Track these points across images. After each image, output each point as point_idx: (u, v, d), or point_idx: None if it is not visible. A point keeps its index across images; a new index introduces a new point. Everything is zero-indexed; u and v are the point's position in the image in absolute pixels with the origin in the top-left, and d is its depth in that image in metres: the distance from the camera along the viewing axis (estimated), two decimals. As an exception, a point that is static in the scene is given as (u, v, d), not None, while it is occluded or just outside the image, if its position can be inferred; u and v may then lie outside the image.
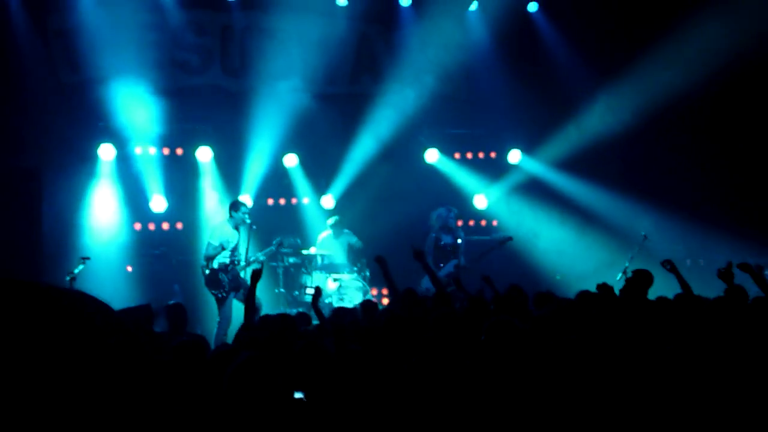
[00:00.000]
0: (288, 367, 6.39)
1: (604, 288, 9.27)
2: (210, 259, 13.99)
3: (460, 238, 15.81)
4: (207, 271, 13.99)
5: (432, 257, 15.47)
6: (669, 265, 10.18)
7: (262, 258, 14.16)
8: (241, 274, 13.95)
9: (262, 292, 14.58)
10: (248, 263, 13.94)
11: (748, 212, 17.70)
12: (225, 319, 13.74)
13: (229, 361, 5.40)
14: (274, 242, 14.91)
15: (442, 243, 15.79)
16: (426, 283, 15.12)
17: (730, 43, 16.54)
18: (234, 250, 14.04)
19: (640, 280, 9.55)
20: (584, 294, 9.06)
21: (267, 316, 9.18)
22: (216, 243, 13.99)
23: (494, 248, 15.80)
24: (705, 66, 16.78)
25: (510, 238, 15.96)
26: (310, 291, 9.88)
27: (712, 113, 17.84)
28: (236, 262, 14.02)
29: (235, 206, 14.29)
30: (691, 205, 17.38)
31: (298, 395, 5.82)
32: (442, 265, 15.57)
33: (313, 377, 6.43)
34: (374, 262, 10.92)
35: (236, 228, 14.11)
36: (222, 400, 5.18)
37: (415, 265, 11.09)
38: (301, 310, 13.52)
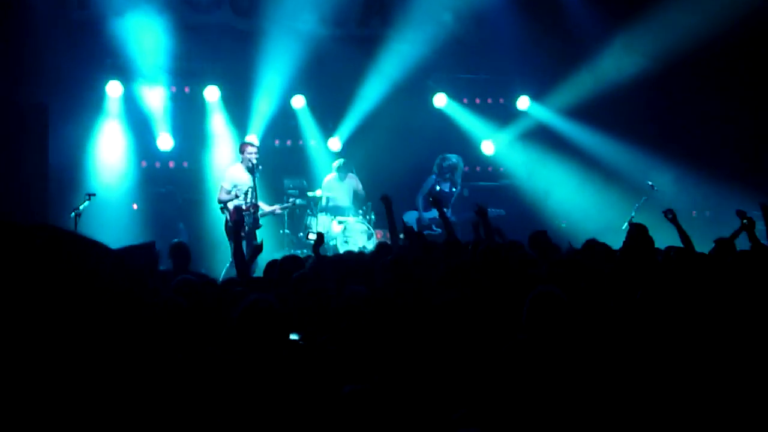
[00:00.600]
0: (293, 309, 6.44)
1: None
2: (223, 203, 14.00)
3: (455, 189, 16.10)
4: (228, 211, 13.94)
5: (424, 198, 15.94)
6: (671, 215, 10.16)
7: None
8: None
9: (266, 233, 14.65)
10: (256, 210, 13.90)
11: (760, 163, 17.66)
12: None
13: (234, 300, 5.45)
14: (290, 201, 15.02)
15: (438, 189, 15.98)
16: (408, 218, 15.39)
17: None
18: (247, 193, 13.97)
19: (635, 233, 9.46)
20: (591, 243, 9.04)
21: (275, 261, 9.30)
22: (229, 187, 13.98)
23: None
24: (726, 11, 16.56)
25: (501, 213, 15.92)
26: (313, 236, 9.88)
27: (732, 61, 17.70)
28: (253, 206, 13.91)
29: (242, 147, 14.28)
30: (705, 155, 17.31)
31: (293, 337, 5.84)
32: (429, 210, 15.84)
33: (318, 319, 6.47)
34: (380, 201, 10.99)
35: (250, 171, 13.98)
36: (226, 342, 5.21)
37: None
38: (305, 251, 13.57)
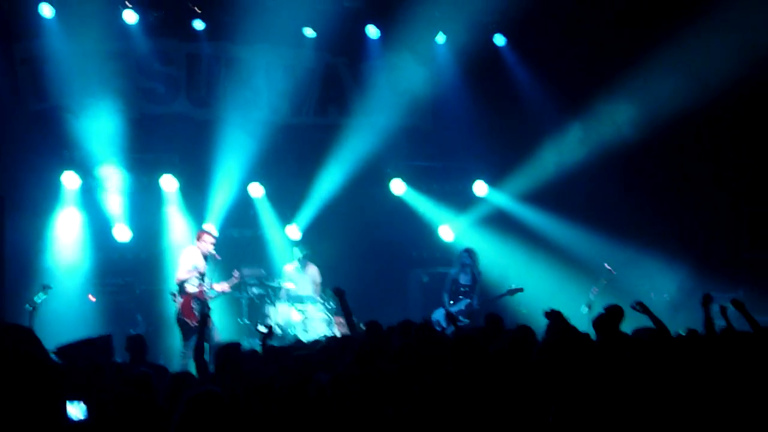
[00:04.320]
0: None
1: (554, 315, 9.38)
2: (182, 282, 13.90)
3: (477, 279, 16.16)
4: (180, 299, 13.85)
5: (448, 293, 16.06)
6: (640, 307, 10.22)
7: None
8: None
9: (225, 322, 14.55)
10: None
11: (710, 247, 17.96)
12: (191, 350, 13.52)
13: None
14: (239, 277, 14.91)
15: (460, 282, 16.12)
16: (436, 316, 15.35)
17: (688, 81, 16.81)
18: (202, 279, 13.92)
19: (612, 315, 9.55)
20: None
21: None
22: (189, 266, 13.91)
23: (505, 295, 16.04)
24: (664, 102, 17.05)
25: (521, 289, 16.05)
26: (262, 329, 9.81)
27: (688, 143, 18.09)
28: (206, 293, 13.88)
29: (200, 235, 14.22)
30: (655, 239, 17.54)
31: None
32: (452, 302, 15.99)
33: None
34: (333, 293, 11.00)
35: (204, 257, 14.01)
36: None
37: (379, 294, 11.18)
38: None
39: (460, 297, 16.00)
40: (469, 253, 16.32)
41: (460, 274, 16.18)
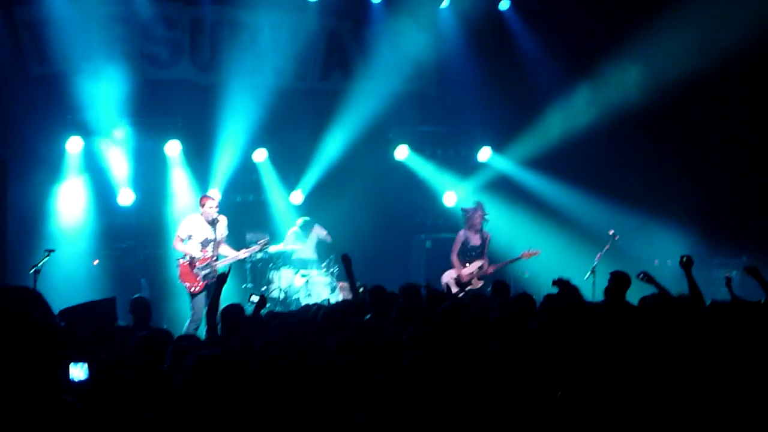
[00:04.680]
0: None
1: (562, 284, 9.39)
2: (179, 249, 13.88)
3: (486, 239, 15.45)
4: (179, 262, 13.84)
5: (458, 254, 15.29)
6: (645, 277, 10.23)
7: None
8: (219, 270, 13.70)
9: (228, 287, 14.53)
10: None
11: (716, 213, 17.92)
12: (197, 314, 13.54)
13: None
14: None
15: (470, 244, 15.33)
16: (446, 278, 15.06)
17: (698, 44, 16.70)
18: (207, 245, 13.85)
19: (619, 282, 9.56)
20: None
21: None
22: (184, 236, 13.86)
23: (520, 258, 15.46)
24: (672, 66, 16.94)
25: (538, 252, 15.54)
26: (254, 299, 9.81)
27: (680, 116, 18.02)
28: (212, 258, 13.82)
29: (202, 200, 14.15)
30: (659, 205, 17.51)
31: None
32: (467, 264, 15.26)
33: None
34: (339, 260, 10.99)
35: (211, 223, 13.87)
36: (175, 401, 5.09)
37: (382, 260, 11.18)
38: (269, 306, 13.49)
39: (469, 261, 15.30)
40: (467, 211, 15.57)
41: (470, 235, 15.41)
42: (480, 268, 15.14)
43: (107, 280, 15.92)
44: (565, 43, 17.92)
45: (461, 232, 15.49)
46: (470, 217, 15.32)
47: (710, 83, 17.37)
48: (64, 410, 4.63)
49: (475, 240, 15.33)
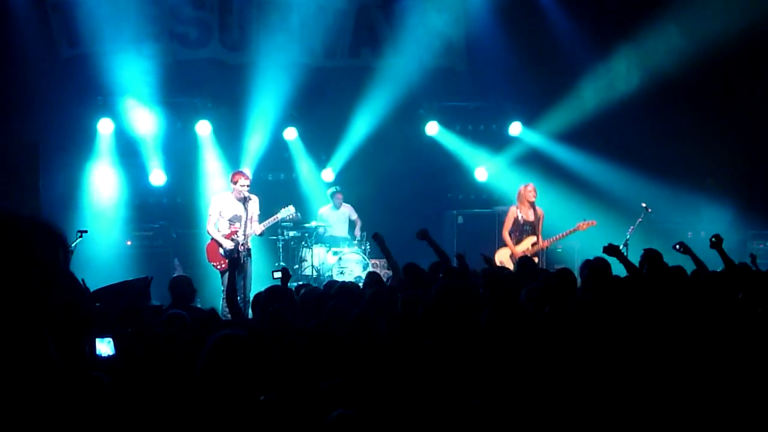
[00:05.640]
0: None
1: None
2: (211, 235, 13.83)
3: (540, 215, 14.97)
4: (207, 241, 13.79)
5: (510, 232, 14.83)
6: (681, 248, 10.19)
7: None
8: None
9: (261, 266, 14.55)
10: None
11: (751, 185, 17.73)
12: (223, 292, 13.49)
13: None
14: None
15: (523, 220, 14.84)
16: (500, 256, 14.80)
17: (740, 12, 16.48)
18: (235, 221, 13.74)
19: (654, 259, 9.48)
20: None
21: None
22: (214, 214, 13.75)
23: (575, 230, 15.19)
24: (713, 36, 16.65)
25: (593, 222, 15.25)
26: (278, 274, 9.67)
27: (725, 81, 17.78)
28: (243, 235, 13.65)
29: (234, 177, 14.02)
30: (694, 176, 17.38)
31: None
32: (518, 242, 14.77)
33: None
34: (372, 238, 10.98)
35: (242, 201, 13.67)
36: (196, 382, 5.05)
37: (413, 237, 11.10)
38: (301, 282, 13.47)
39: (523, 237, 14.76)
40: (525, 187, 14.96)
41: (523, 210, 14.83)
42: (534, 244, 14.88)
43: (140, 260, 16.01)
44: (600, 10, 17.73)
45: (512, 208, 15.01)
46: (523, 194, 15.01)
47: (754, 49, 17.09)
48: (95, 386, 4.63)
49: (529, 216, 14.91)
